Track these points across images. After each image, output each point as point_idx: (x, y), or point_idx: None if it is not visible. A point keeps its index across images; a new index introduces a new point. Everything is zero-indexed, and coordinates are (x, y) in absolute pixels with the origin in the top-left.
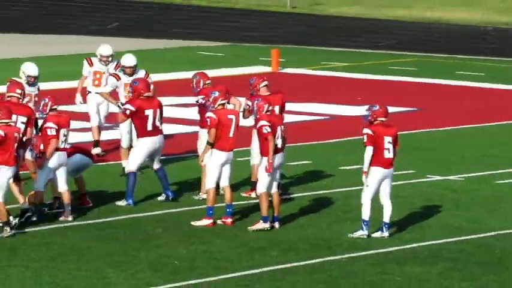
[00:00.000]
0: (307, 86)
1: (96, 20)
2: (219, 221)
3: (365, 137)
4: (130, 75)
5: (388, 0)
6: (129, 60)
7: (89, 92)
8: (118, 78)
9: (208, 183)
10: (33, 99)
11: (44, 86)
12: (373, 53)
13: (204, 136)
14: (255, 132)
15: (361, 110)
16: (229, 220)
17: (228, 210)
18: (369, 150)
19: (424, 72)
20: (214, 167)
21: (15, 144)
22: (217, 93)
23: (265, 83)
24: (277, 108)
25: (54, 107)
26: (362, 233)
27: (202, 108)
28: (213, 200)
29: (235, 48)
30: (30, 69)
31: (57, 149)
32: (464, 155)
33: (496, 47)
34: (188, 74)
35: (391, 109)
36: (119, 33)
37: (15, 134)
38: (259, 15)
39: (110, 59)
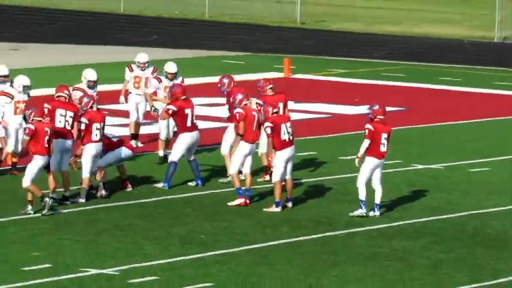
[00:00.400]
0: (313, 89)
1: (139, 33)
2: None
3: (366, 131)
4: (171, 80)
5: (381, 18)
6: (171, 67)
7: (130, 93)
8: (160, 81)
9: (232, 169)
10: (94, 101)
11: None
12: (369, 61)
13: (230, 129)
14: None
15: (358, 110)
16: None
17: (247, 193)
18: (365, 143)
19: (411, 78)
20: (239, 156)
21: (46, 138)
22: (241, 96)
23: (271, 85)
24: (281, 105)
25: (93, 105)
26: (361, 211)
27: (231, 107)
28: (238, 181)
29: (253, 58)
30: (90, 74)
31: (92, 141)
32: (443, 148)
33: (471, 57)
34: (215, 79)
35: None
36: (158, 44)
37: (46, 129)
38: (274, 30)
39: (146, 65)
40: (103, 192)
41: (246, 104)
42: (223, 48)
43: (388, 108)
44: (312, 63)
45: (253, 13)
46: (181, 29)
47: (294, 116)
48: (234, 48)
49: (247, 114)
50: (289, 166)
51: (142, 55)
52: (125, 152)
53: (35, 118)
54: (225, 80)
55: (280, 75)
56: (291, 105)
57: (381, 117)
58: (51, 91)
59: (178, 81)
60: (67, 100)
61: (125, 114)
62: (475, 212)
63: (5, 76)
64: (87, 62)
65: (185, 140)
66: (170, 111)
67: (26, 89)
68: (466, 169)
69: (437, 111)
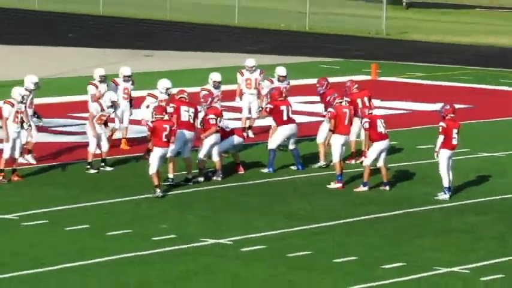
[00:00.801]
0: (396, 90)
1: (250, 42)
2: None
3: (440, 128)
4: (281, 82)
5: (453, 30)
6: (282, 70)
7: (244, 93)
8: (271, 82)
9: (334, 159)
10: (219, 99)
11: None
12: (442, 67)
13: (325, 123)
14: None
15: (432, 107)
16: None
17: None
18: (440, 138)
19: (477, 80)
20: (337, 147)
21: (165, 133)
22: (336, 94)
23: (356, 85)
24: (366, 99)
25: (215, 102)
26: (445, 196)
27: (327, 105)
28: (340, 169)
29: (346, 63)
30: (215, 76)
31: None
32: (506, 139)
33: None
34: (313, 81)
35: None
36: (266, 52)
37: (164, 126)
38: (364, 40)
39: (254, 68)
40: (220, 176)
41: (340, 103)
42: (321, 55)
43: (458, 106)
44: (395, 67)
45: (346, 26)
46: (285, 38)
47: (379, 112)
48: (329, 55)
49: (338, 112)
50: (383, 155)
51: (250, 60)
52: (237, 139)
53: (156, 116)
54: (324, 82)
55: (368, 77)
56: (378, 102)
57: (452, 115)
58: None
59: (257, 73)
60: (187, 100)
61: (239, 110)
62: None
63: (128, 76)
64: (207, 66)
65: (283, 131)
66: (268, 109)
67: (167, 90)
68: None
69: (500, 109)
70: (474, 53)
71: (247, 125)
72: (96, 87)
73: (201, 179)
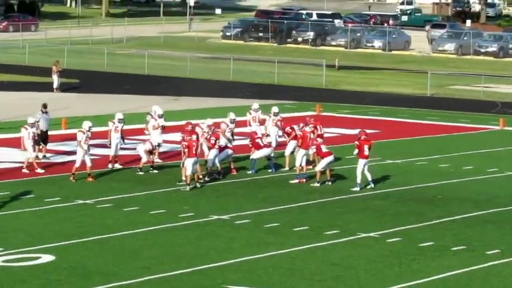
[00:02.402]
0: (332, 121)
1: (240, 91)
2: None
3: (355, 145)
4: (276, 116)
5: (368, 83)
6: (275, 108)
7: (251, 125)
8: (270, 116)
9: (296, 164)
10: (232, 129)
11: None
12: (362, 106)
13: (291, 143)
14: None
15: (354, 131)
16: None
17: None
18: (355, 151)
19: (383, 114)
20: (300, 157)
21: (194, 149)
22: (302, 125)
23: (311, 125)
24: (318, 127)
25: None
26: (356, 188)
27: (286, 133)
28: (299, 171)
29: (301, 104)
30: (231, 115)
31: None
32: (403, 151)
33: (413, 103)
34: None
35: (369, 131)
36: (251, 97)
37: (193, 144)
38: (311, 89)
39: (257, 109)
40: (220, 176)
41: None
42: (284, 99)
43: (371, 131)
44: (331, 107)
45: (300, 80)
46: (262, 88)
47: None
48: (290, 98)
49: (303, 134)
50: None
51: (255, 104)
52: (229, 152)
53: (186, 137)
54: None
55: (315, 113)
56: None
57: (364, 136)
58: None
59: (259, 112)
60: (189, 130)
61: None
62: (419, 186)
63: (160, 115)
64: (215, 106)
65: (262, 151)
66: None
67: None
68: (415, 163)
69: (398, 132)
70: (381, 97)
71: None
72: (155, 120)
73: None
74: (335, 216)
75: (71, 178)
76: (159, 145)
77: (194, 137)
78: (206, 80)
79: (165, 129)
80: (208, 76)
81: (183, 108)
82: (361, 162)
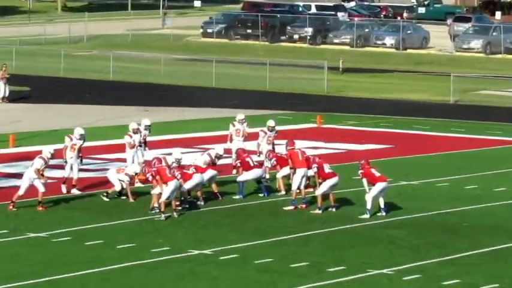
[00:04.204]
0: (335, 134)
1: (224, 99)
2: (299, 206)
3: (360, 174)
4: (271, 131)
5: (379, 89)
6: (271, 122)
7: (233, 139)
8: (264, 132)
9: (293, 187)
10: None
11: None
12: (371, 116)
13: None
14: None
15: (363, 147)
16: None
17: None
18: (364, 180)
19: (397, 126)
20: (297, 179)
21: (168, 171)
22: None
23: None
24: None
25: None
26: (366, 216)
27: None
28: (295, 195)
29: (297, 114)
30: (239, 116)
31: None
32: (419, 170)
33: (435, 112)
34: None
35: (380, 146)
36: (237, 107)
37: (164, 168)
38: (310, 97)
39: (243, 120)
40: (202, 202)
41: (292, 148)
42: (278, 108)
43: (382, 146)
44: (334, 118)
45: (297, 86)
46: (251, 96)
47: (323, 151)
48: (285, 108)
49: (292, 155)
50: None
51: (240, 115)
52: (211, 172)
53: (155, 165)
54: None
55: (314, 125)
56: (321, 144)
57: (367, 166)
58: (170, 137)
59: (245, 124)
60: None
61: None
62: (439, 212)
63: (147, 125)
64: (195, 117)
65: (252, 173)
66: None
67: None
68: (434, 184)
69: (414, 148)
70: (394, 105)
71: (235, 163)
72: (131, 136)
73: (202, 203)
74: (340, 249)
75: (10, 207)
76: (135, 173)
77: (164, 163)
78: (183, 87)
79: (147, 144)
80: (186, 82)
81: (155, 120)
82: (379, 186)
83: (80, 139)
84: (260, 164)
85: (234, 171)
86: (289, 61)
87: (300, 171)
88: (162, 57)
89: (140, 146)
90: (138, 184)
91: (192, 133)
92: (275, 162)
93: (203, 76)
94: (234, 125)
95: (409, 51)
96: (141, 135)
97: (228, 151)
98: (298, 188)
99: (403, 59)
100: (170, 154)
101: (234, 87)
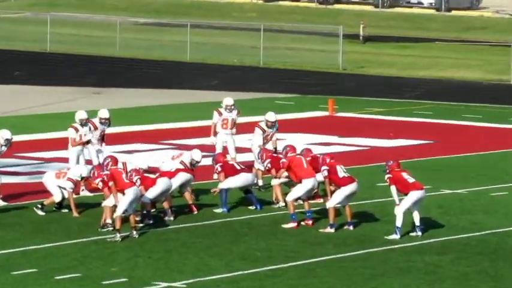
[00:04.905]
0: (354, 126)
1: (202, 78)
2: (302, 223)
3: (388, 180)
4: (271, 127)
5: (411, 64)
6: (271, 116)
7: (218, 132)
8: (263, 130)
9: (289, 197)
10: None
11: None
12: (402, 101)
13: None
14: None
15: (392, 143)
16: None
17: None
18: (393, 188)
19: (439, 115)
20: (300, 190)
21: (124, 176)
22: (288, 148)
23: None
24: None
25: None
26: (395, 236)
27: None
28: (293, 208)
29: (302, 99)
30: (227, 101)
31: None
32: (467, 175)
33: (489, 97)
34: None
35: (415, 142)
36: (219, 88)
37: (120, 171)
38: (320, 75)
39: (233, 107)
40: (171, 217)
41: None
42: (275, 90)
43: (418, 142)
44: (352, 103)
45: (301, 60)
46: (238, 74)
47: (337, 149)
48: (284, 90)
49: (294, 162)
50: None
51: (229, 99)
52: (184, 176)
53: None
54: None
55: (325, 113)
56: (335, 139)
57: (397, 169)
58: (128, 128)
59: (235, 112)
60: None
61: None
62: (496, 231)
63: (106, 119)
64: (162, 103)
65: (239, 179)
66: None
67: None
68: (488, 193)
69: (461, 144)
70: (434, 87)
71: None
72: (77, 130)
73: (151, 221)
74: (360, 282)
75: None
76: (82, 178)
77: (120, 165)
78: (147, 61)
79: (104, 141)
80: (150, 55)
81: (109, 106)
82: (414, 196)
83: (4, 145)
84: (249, 167)
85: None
86: (290, 26)
87: (307, 183)
88: (118, 21)
89: (88, 143)
90: (84, 193)
91: (158, 124)
92: (270, 165)
93: (174, 47)
94: (220, 114)
95: (454, 13)
96: (91, 131)
97: (211, 148)
98: (299, 198)
99: (447, 23)
100: (132, 153)
101: (215, 62)
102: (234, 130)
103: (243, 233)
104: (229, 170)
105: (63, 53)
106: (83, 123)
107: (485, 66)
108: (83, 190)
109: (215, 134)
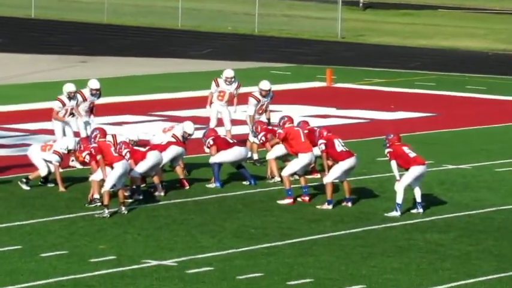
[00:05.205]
0: (353, 97)
1: (194, 46)
2: (299, 199)
3: (388, 154)
4: (265, 96)
5: (413, 33)
6: (265, 84)
7: (213, 102)
8: (258, 100)
9: (284, 172)
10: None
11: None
12: (403, 72)
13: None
14: None
15: (393, 115)
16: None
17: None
18: (393, 163)
19: (441, 87)
20: (297, 164)
21: (113, 150)
22: (286, 118)
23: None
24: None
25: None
26: (395, 213)
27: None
28: (289, 183)
29: (299, 69)
30: (227, 73)
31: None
32: (471, 149)
33: (495, 67)
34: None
35: (416, 114)
36: (212, 57)
37: (109, 144)
38: (317, 44)
39: (232, 80)
40: (162, 193)
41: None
42: (271, 60)
43: (420, 114)
44: (351, 73)
45: (298, 28)
46: (232, 42)
47: (335, 121)
48: (280, 60)
49: (291, 133)
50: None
51: (229, 71)
52: (175, 149)
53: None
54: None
55: (323, 84)
56: (333, 111)
57: (398, 143)
58: (117, 99)
59: (234, 85)
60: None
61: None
62: (500, 208)
63: (96, 89)
64: (153, 72)
65: (231, 153)
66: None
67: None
68: (492, 169)
69: (465, 117)
70: (436, 56)
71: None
72: (64, 104)
73: (140, 196)
74: (358, 260)
75: None
76: (68, 151)
77: (109, 137)
78: (136, 28)
79: (94, 112)
80: (140, 21)
81: (97, 76)
82: (415, 171)
83: None
84: (243, 142)
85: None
86: None
87: (304, 158)
88: None
89: (73, 116)
90: (74, 163)
91: (148, 94)
92: (264, 138)
93: (164, 13)
94: (217, 84)
95: None
96: (77, 103)
97: (204, 121)
98: (295, 173)
99: None
100: (121, 125)
101: (208, 30)
102: (234, 106)
103: (237, 209)
104: (222, 144)
105: (48, 19)
106: (71, 97)
107: (490, 35)
108: (72, 161)
109: (210, 104)
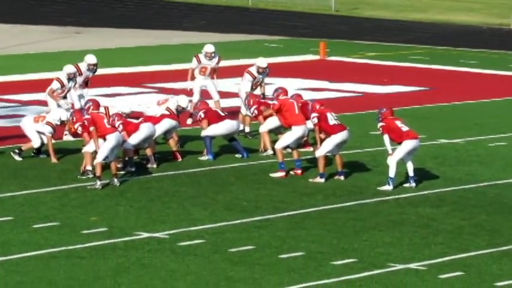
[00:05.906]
0: (346, 70)
1: (186, 19)
2: (291, 172)
3: (381, 129)
4: (262, 73)
5: (408, 6)
6: (262, 62)
7: (195, 77)
8: (253, 77)
9: (278, 144)
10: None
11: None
12: (396, 45)
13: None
14: None
15: (386, 89)
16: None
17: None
18: (385, 137)
19: (435, 61)
20: (290, 137)
21: (107, 121)
22: (280, 90)
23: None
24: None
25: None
26: (388, 187)
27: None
28: (282, 156)
29: (292, 42)
30: (207, 48)
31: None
32: (464, 124)
33: (489, 41)
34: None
35: (409, 88)
36: (206, 29)
37: (101, 116)
38: (310, 16)
39: (213, 55)
40: (154, 165)
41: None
42: (264, 32)
43: (413, 88)
44: (345, 46)
45: (292, 2)
46: (225, 14)
47: (328, 95)
48: (273, 32)
49: (286, 104)
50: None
51: (209, 46)
52: (168, 122)
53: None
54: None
55: (316, 57)
56: (326, 84)
57: (391, 117)
58: (111, 71)
59: (215, 60)
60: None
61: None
62: (493, 183)
63: (94, 65)
64: (147, 44)
65: (222, 126)
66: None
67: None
68: (485, 143)
69: (458, 91)
70: (431, 30)
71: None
72: (62, 84)
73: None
74: (350, 234)
75: None
76: (61, 122)
77: (102, 109)
78: (129, 0)
79: (88, 85)
80: None
81: (89, 47)
82: (408, 145)
83: None
84: (235, 114)
85: (190, 120)
86: None
87: (298, 130)
88: None
89: (65, 97)
90: (67, 137)
91: (142, 66)
92: (257, 111)
93: None
94: (199, 61)
95: None
96: (75, 84)
97: (188, 93)
98: (288, 147)
99: None
100: (114, 97)
101: (201, 2)
102: (215, 79)
103: (229, 182)
104: (213, 117)
105: None
106: (70, 78)
107: (485, 9)
108: (66, 134)
109: (192, 79)
